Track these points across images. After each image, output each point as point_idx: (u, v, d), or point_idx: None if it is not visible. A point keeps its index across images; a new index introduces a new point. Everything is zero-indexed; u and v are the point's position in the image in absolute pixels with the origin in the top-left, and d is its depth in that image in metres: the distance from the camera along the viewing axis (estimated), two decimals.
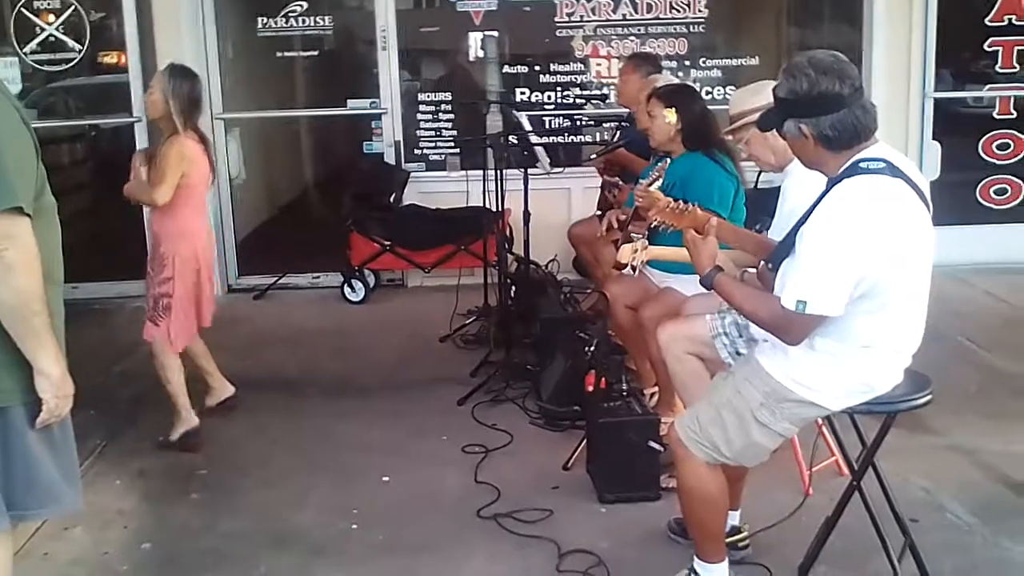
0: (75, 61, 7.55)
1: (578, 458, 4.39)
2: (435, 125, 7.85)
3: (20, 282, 2.40)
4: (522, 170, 5.69)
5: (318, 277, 7.85)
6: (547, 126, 7.76)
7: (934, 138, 7.71)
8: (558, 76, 7.83)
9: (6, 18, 7.36)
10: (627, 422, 4.14)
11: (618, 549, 3.70)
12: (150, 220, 4.85)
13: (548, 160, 6.08)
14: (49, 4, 7.46)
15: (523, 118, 6.10)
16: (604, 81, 7.81)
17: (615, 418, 4.18)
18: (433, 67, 8.21)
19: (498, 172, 5.81)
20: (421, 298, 7.38)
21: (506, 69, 7.91)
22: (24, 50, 7.47)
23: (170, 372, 4.71)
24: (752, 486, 3.62)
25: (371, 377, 5.74)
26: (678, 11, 7.73)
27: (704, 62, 7.85)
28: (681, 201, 3.26)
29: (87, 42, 7.53)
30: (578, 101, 7.83)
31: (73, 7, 7.44)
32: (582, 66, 7.84)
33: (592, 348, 4.75)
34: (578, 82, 7.85)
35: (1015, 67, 7.72)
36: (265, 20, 7.71)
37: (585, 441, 4.38)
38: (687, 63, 7.81)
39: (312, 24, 7.76)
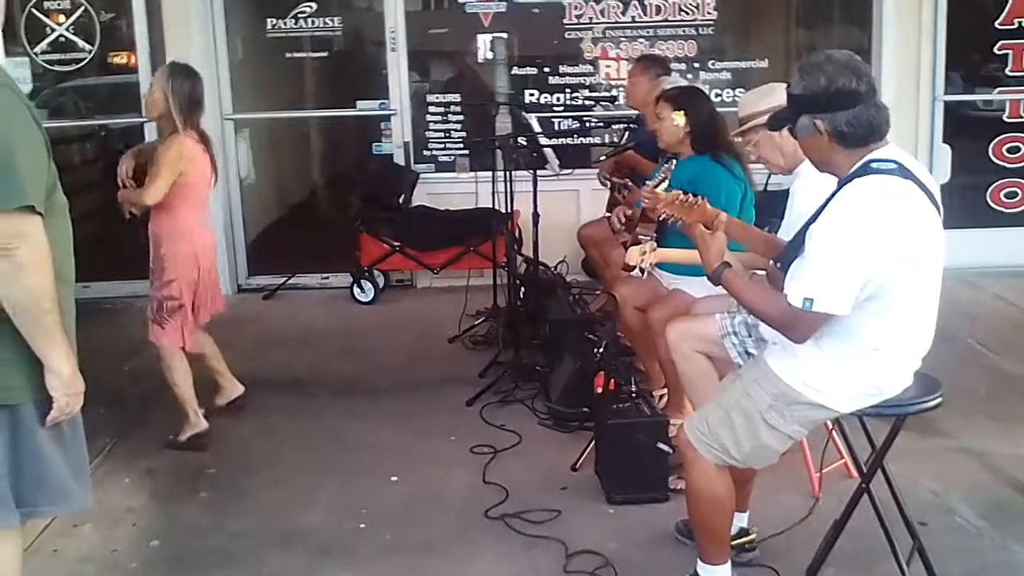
0: (85, 61, 7.59)
1: (586, 459, 4.39)
2: (444, 126, 7.86)
3: (31, 280, 2.41)
4: (531, 171, 5.69)
5: (327, 278, 7.86)
6: (556, 128, 7.76)
7: (944, 141, 7.70)
8: (567, 78, 7.84)
9: (17, 18, 7.38)
10: (636, 423, 4.14)
11: (626, 550, 3.70)
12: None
13: (557, 161, 6.08)
14: (59, 4, 7.49)
15: (532, 119, 6.10)
16: (613, 83, 7.81)
17: (624, 419, 4.18)
18: (442, 68, 8.21)
19: (507, 173, 5.82)
20: (430, 299, 7.39)
21: (515, 71, 7.91)
22: (35, 50, 7.50)
23: (177, 375, 4.71)
24: (761, 488, 3.61)
25: (380, 377, 5.74)
26: (687, 13, 7.73)
27: (713, 64, 7.85)
28: (691, 195, 3.26)
29: (97, 42, 7.56)
30: (587, 103, 7.84)
31: (83, 8, 7.47)
32: (591, 68, 7.85)
33: (601, 349, 4.75)
34: (587, 84, 7.85)
35: None
36: (274, 21, 7.72)
37: (594, 442, 4.38)
38: (696, 65, 7.80)
39: (321, 25, 7.77)
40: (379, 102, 7.80)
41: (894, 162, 2.77)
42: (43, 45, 7.51)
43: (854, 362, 2.87)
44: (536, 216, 5.72)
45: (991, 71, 7.84)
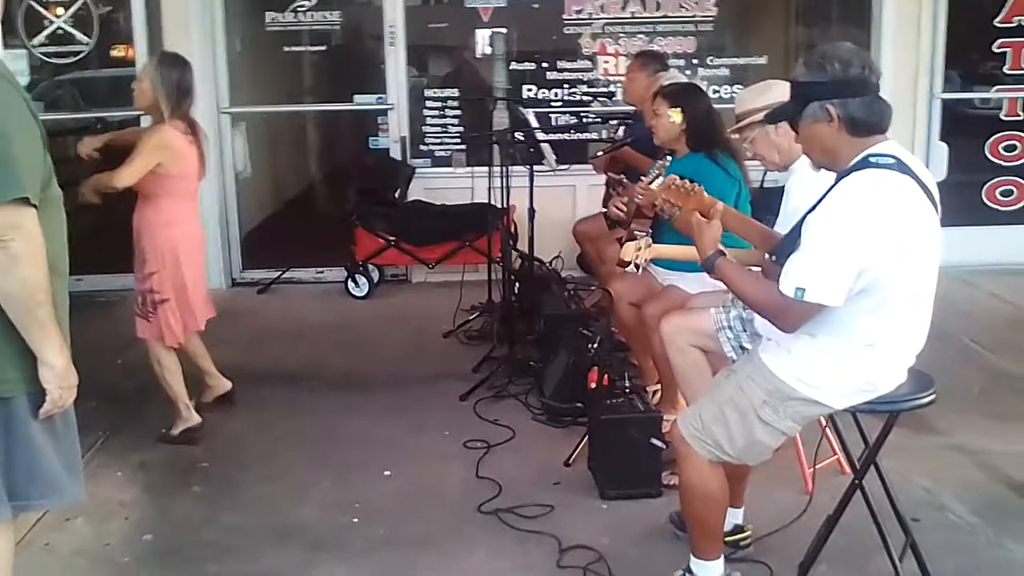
0: (83, 54, 7.57)
1: (580, 454, 4.39)
2: (441, 121, 7.86)
3: (26, 273, 2.40)
4: (527, 167, 5.68)
5: (322, 272, 7.86)
6: (554, 123, 7.75)
7: (941, 139, 7.71)
8: (565, 73, 7.84)
9: (15, 11, 7.37)
10: (629, 419, 4.14)
11: (619, 545, 3.70)
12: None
13: (554, 157, 6.08)
14: None
15: (530, 115, 6.09)
16: (611, 79, 7.81)
17: (617, 415, 4.19)
18: (440, 63, 8.22)
19: (503, 168, 5.81)
20: (425, 294, 7.39)
21: (513, 66, 7.92)
22: (33, 43, 7.48)
23: (167, 372, 4.70)
24: (754, 484, 3.62)
25: (374, 372, 5.74)
26: (686, 9, 7.73)
27: (712, 61, 7.85)
28: (688, 180, 3.25)
29: (95, 35, 7.54)
30: (585, 98, 7.83)
31: (82, 0, 7.45)
32: (589, 63, 7.84)
33: (595, 345, 4.75)
34: (585, 79, 7.85)
35: (1023, 69, 7.71)
36: (273, 15, 7.71)
37: (587, 437, 4.38)
38: (695, 62, 7.81)
39: (320, 19, 7.76)
40: (376, 96, 7.80)
41: (892, 157, 2.76)
42: (41, 37, 7.49)
43: (848, 358, 2.87)
44: (532, 211, 5.72)
45: (989, 69, 7.85)
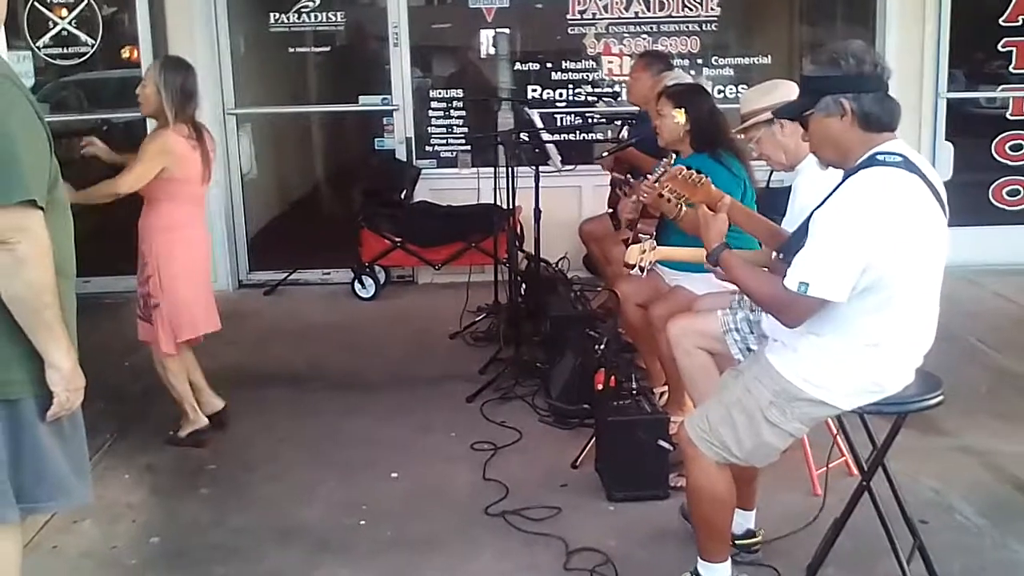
0: (88, 55, 7.58)
1: (587, 456, 4.39)
2: (446, 122, 7.86)
3: (32, 275, 2.40)
4: (533, 167, 5.68)
5: (328, 273, 7.86)
6: (559, 123, 7.75)
7: (947, 139, 7.69)
8: (570, 73, 7.83)
9: (20, 12, 7.38)
10: (637, 421, 4.13)
11: (626, 548, 3.70)
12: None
13: (559, 157, 6.07)
14: None
15: (534, 115, 6.09)
16: (616, 79, 7.80)
17: (624, 416, 4.18)
18: (445, 64, 8.21)
19: (509, 169, 5.81)
20: (431, 295, 7.39)
21: (518, 66, 7.91)
22: (37, 44, 7.49)
23: (171, 375, 4.70)
24: (761, 487, 3.61)
25: (380, 373, 5.74)
26: (690, 9, 7.72)
27: (716, 61, 7.84)
28: (695, 171, 3.25)
29: (100, 36, 7.55)
30: (590, 99, 7.82)
31: (86, 2, 7.46)
32: (594, 64, 7.84)
33: (602, 346, 4.74)
34: (590, 80, 7.84)
35: None
36: (277, 16, 7.71)
37: (594, 439, 4.38)
38: (699, 61, 7.79)
39: (324, 20, 7.76)
40: (381, 97, 7.80)
41: (900, 155, 2.77)
42: (46, 39, 7.50)
43: (853, 358, 2.87)
44: (538, 212, 5.71)
45: (995, 68, 7.83)
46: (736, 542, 3.38)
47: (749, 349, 3.61)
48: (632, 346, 5.18)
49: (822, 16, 8.73)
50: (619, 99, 7.48)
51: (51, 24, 7.49)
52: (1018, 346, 5.92)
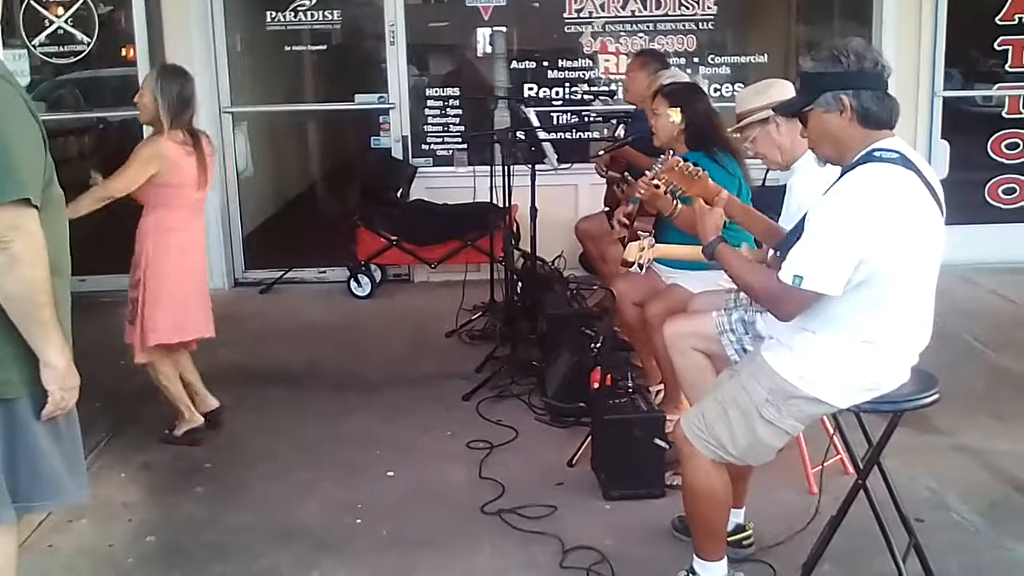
0: (84, 54, 7.56)
1: (583, 454, 4.38)
2: (443, 120, 7.85)
3: (27, 274, 2.40)
4: (529, 166, 5.68)
5: (324, 272, 7.86)
6: (555, 122, 7.74)
7: (943, 137, 7.70)
8: (566, 72, 7.82)
9: (15, 10, 7.37)
10: (632, 419, 4.13)
11: (622, 546, 3.70)
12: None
13: (555, 156, 6.07)
14: None
15: (531, 114, 6.09)
16: (612, 77, 7.80)
17: (620, 415, 4.18)
18: (441, 62, 8.21)
19: (505, 168, 5.81)
20: (427, 293, 7.38)
21: (514, 65, 7.91)
22: (33, 42, 7.48)
23: (164, 378, 4.70)
24: (757, 485, 3.62)
25: (376, 372, 5.74)
26: (687, 8, 7.72)
27: (713, 59, 7.84)
28: (692, 164, 3.25)
29: (96, 35, 7.54)
30: (586, 97, 7.82)
31: (82, 0, 7.45)
32: (590, 62, 7.83)
33: (598, 345, 4.74)
34: (586, 78, 7.84)
35: None
36: (274, 14, 7.70)
37: (590, 438, 4.38)
38: (696, 60, 7.79)
39: (320, 19, 7.76)
40: (378, 96, 7.79)
41: (897, 152, 2.78)
42: (41, 37, 7.49)
43: (848, 355, 2.87)
44: (534, 211, 5.71)
45: (991, 67, 7.84)
46: (728, 539, 3.37)
47: (744, 349, 3.61)
48: (628, 344, 5.18)
49: (819, 14, 8.74)
50: (615, 98, 7.48)
51: (47, 22, 7.47)
52: (1014, 345, 5.92)
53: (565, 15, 7.73)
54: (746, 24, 8.25)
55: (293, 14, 7.69)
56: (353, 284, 7.35)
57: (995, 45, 7.68)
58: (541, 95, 7.82)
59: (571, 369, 4.92)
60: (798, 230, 2.86)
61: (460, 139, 7.82)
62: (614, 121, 6.67)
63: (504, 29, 7.86)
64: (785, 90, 3.77)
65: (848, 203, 2.72)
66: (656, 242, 3.78)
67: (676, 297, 4.46)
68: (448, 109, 7.85)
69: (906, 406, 2.99)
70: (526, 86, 7.84)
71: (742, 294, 3.70)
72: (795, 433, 3.09)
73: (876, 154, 2.77)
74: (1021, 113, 7.80)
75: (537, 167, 5.72)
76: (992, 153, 7.87)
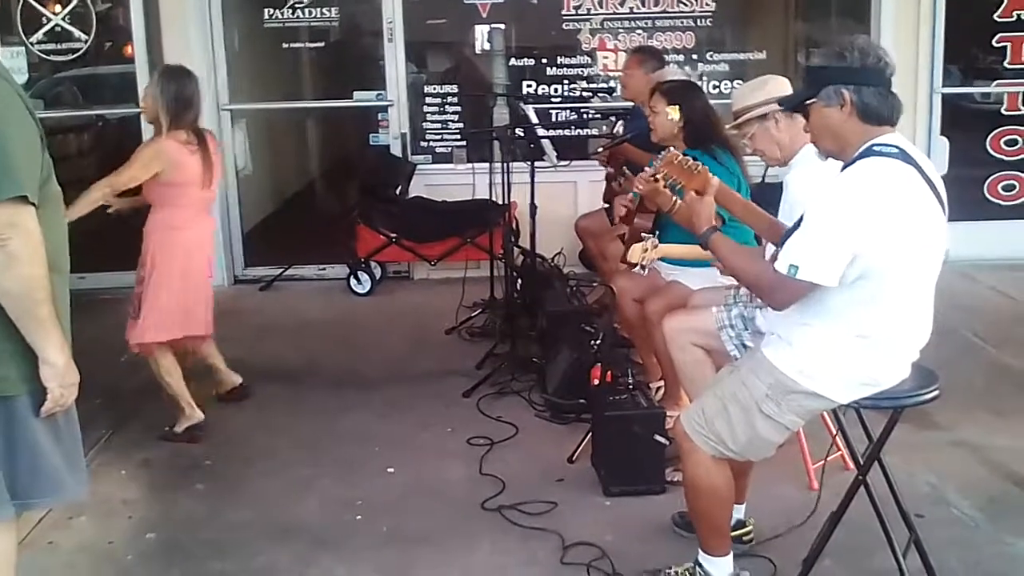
0: (81, 51, 7.56)
1: (583, 451, 4.39)
2: (441, 117, 7.85)
3: (24, 271, 2.40)
4: (528, 163, 5.68)
5: (324, 269, 7.86)
6: (554, 119, 7.74)
7: (942, 134, 7.70)
8: (565, 69, 7.82)
9: (13, 8, 7.36)
10: (633, 415, 4.13)
11: (622, 542, 3.69)
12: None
13: (555, 153, 6.07)
14: None
15: (530, 111, 6.09)
16: (611, 74, 7.79)
17: (620, 411, 4.18)
18: (439, 59, 8.20)
19: (504, 165, 5.80)
20: (427, 290, 7.38)
21: (513, 62, 7.90)
22: (30, 40, 7.48)
23: (165, 372, 4.72)
24: (758, 481, 3.62)
25: (376, 369, 5.74)
26: (685, 5, 7.71)
27: (711, 56, 7.83)
28: (691, 158, 3.25)
29: (93, 32, 7.53)
30: (585, 94, 7.82)
31: None
32: (589, 59, 7.83)
33: (598, 341, 4.74)
34: (585, 75, 7.84)
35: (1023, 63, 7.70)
36: (272, 11, 7.70)
37: (590, 434, 4.38)
38: (694, 57, 7.79)
39: (318, 16, 7.75)
40: (376, 93, 7.78)
41: (896, 147, 2.78)
42: (39, 35, 7.48)
43: (845, 350, 2.87)
44: (533, 208, 5.70)
45: (989, 64, 7.84)
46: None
47: (744, 345, 3.61)
48: (628, 341, 5.18)
49: (817, 11, 8.74)
50: (614, 94, 7.48)
51: (44, 20, 7.48)
52: (1014, 341, 5.92)
53: (563, 12, 7.73)
54: (744, 21, 8.25)
55: (291, 11, 7.69)
56: (353, 281, 7.35)
57: (994, 42, 7.68)
58: (540, 92, 7.81)
59: (571, 366, 4.92)
60: (798, 225, 2.86)
61: (459, 136, 7.82)
62: (613, 118, 6.66)
63: (502, 26, 7.85)
64: (781, 86, 3.77)
65: (845, 195, 2.73)
66: (658, 241, 3.78)
67: (676, 294, 4.46)
68: (447, 106, 7.85)
69: (906, 402, 2.99)
70: (525, 83, 7.84)
71: (742, 290, 3.71)
72: (795, 428, 3.10)
73: (876, 148, 2.77)
74: (1020, 110, 7.81)
75: (536, 164, 5.72)
76: (991, 150, 7.86)
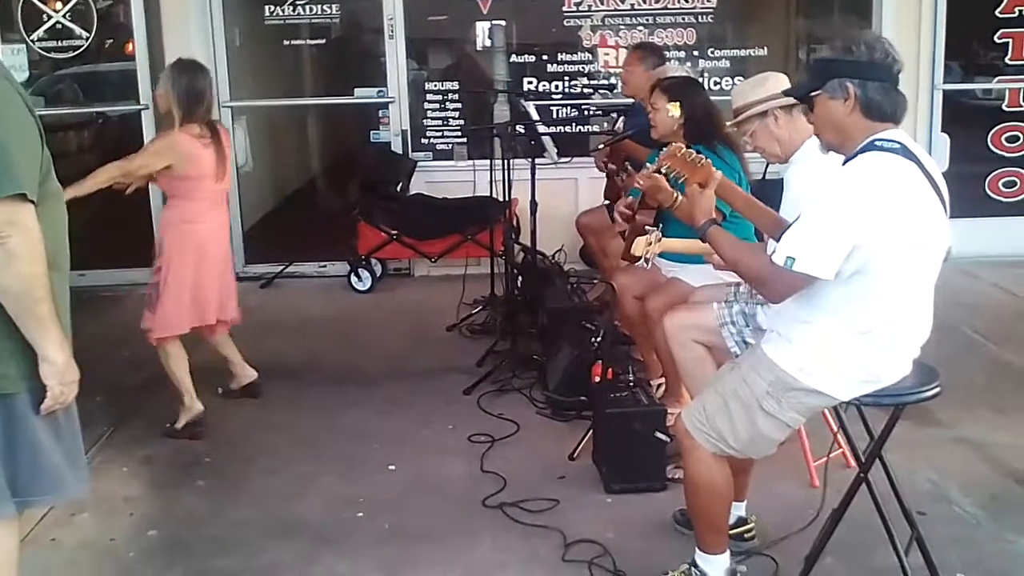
0: (82, 48, 7.56)
1: (584, 448, 4.39)
2: (442, 114, 7.83)
3: (24, 269, 2.40)
4: (529, 160, 5.67)
5: (325, 266, 7.85)
6: (555, 116, 7.73)
7: (943, 130, 7.69)
8: (566, 66, 7.81)
9: (13, 5, 7.36)
10: (633, 412, 4.13)
11: (624, 539, 3.70)
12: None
13: (555, 150, 6.06)
14: None
15: (530, 107, 6.08)
16: (612, 71, 7.78)
17: (621, 408, 4.18)
18: (440, 56, 8.19)
19: (505, 162, 5.80)
20: (428, 287, 7.38)
21: (513, 58, 7.88)
22: (31, 37, 7.47)
23: (172, 361, 4.73)
24: (759, 478, 3.61)
25: (377, 366, 5.74)
26: (686, 1, 7.70)
27: (712, 52, 7.82)
28: (695, 152, 3.25)
29: (94, 30, 7.53)
30: (586, 91, 7.81)
31: None
32: (590, 56, 7.82)
33: (599, 338, 4.74)
34: (586, 72, 7.83)
35: None
36: (273, 8, 7.68)
37: (591, 431, 4.38)
38: (695, 53, 7.78)
39: (319, 12, 7.74)
40: (377, 90, 7.77)
41: (898, 143, 2.78)
42: (40, 32, 7.48)
43: (843, 346, 2.86)
44: (534, 204, 5.70)
45: (991, 60, 7.83)
46: (730, 532, 3.37)
47: (745, 342, 3.61)
48: (629, 338, 5.18)
49: (818, 7, 8.73)
50: (615, 91, 7.47)
51: (45, 17, 7.47)
52: (1016, 338, 5.92)
53: (564, 8, 7.71)
54: (745, 17, 8.24)
55: (292, 8, 7.68)
56: (353, 278, 7.34)
57: (995, 38, 7.67)
58: (540, 89, 7.80)
59: (572, 363, 4.92)
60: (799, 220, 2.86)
61: (460, 133, 7.81)
62: (614, 114, 6.66)
63: (503, 23, 7.84)
64: (781, 83, 3.77)
65: (844, 189, 2.73)
66: (661, 234, 3.77)
67: (677, 291, 4.46)
68: (447, 103, 7.83)
69: (907, 399, 2.99)
70: (525, 80, 7.83)
71: (743, 287, 3.70)
72: (796, 426, 3.09)
73: (877, 143, 2.77)
74: (1021, 106, 7.79)
75: (537, 161, 5.72)
76: (992, 146, 7.86)
